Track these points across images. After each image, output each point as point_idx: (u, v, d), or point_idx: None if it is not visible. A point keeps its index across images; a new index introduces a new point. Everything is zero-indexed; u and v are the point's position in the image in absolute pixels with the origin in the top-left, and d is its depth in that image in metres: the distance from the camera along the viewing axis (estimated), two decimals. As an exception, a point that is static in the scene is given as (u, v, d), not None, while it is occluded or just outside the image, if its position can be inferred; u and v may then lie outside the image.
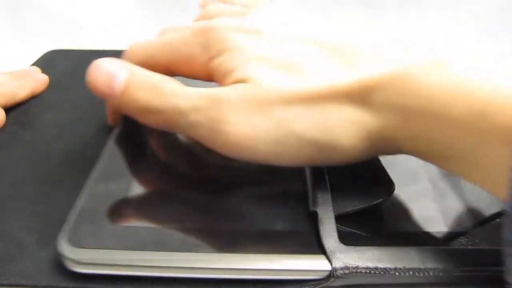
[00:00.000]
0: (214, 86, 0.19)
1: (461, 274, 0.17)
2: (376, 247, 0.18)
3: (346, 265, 0.17)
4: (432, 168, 0.23)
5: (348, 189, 0.21)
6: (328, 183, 0.20)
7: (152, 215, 0.19)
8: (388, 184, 0.21)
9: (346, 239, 0.18)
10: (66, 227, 0.18)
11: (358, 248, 0.18)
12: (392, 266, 0.17)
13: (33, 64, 0.35)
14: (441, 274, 0.17)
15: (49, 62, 0.36)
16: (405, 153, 0.18)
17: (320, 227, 0.18)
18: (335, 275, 0.17)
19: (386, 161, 0.22)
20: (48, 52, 0.38)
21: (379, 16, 0.53)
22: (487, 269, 0.17)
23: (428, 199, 0.22)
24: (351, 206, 0.20)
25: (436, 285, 0.18)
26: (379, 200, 0.20)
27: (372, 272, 0.17)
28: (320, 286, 0.17)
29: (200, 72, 0.21)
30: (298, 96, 0.17)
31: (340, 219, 0.19)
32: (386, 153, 0.19)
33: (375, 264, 0.17)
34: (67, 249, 0.17)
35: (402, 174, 0.24)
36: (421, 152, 0.18)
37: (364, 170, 0.21)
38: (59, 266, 0.17)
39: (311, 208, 0.19)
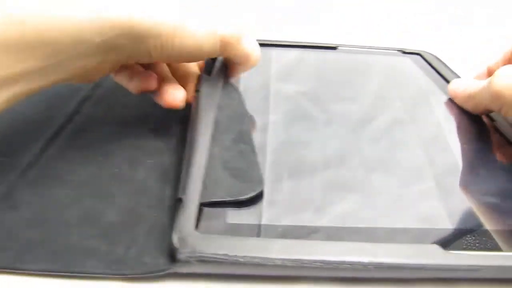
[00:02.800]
0: None
1: (309, 266, 0.18)
2: (242, 237, 0.18)
3: (193, 250, 0.17)
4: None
5: (222, 180, 0.21)
6: (203, 172, 0.21)
7: None
8: (258, 181, 0.21)
9: (232, 230, 0.19)
10: None
11: (220, 236, 0.18)
12: (241, 254, 0.17)
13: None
14: (288, 265, 0.17)
15: None
16: None
17: (180, 212, 0.19)
18: (180, 260, 0.17)
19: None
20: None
21: None
22: (339, 261, 0.18)
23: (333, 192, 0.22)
24: (219, 196, 0.20)
25: (286, 277, 0.19)
26: (247, 196, 0.20)
27: (218, 258, 0.17)
28: (166, 272, 0.18)
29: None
30: None
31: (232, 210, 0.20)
32: None
33: (225, 251, 0.17)
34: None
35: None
36: None
37: (240, 164, 0.22)
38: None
39: (179, 195, 0.20)
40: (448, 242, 0.20)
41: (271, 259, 0.17)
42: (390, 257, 0.18)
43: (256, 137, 0.25)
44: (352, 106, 0.31)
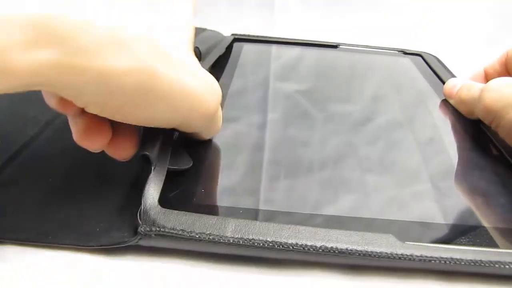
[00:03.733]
0: None
1: (261, 246, 0.18)
2: (202, 215, 0.19)
3: (153, 224, 0.18)
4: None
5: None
6: (171, 146, 0.22)
7: None
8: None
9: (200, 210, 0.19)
10: None
11: (181, 213, 0.19)
12: (197, 231, 0.18)
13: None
14: (240, 243, 0.18)
15: None
16: None
17: (146, 186, 0.20)
18: (141, 232, 0.18)
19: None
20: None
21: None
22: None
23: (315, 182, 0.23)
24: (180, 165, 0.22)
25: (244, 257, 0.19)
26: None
27: (176, 234, 0.18)
28: (127, 244, 0.19)
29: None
30: None
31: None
32: None
33: (183, 227, 0.18)
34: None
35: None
36: None
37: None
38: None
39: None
40: (416, 234, 0.20)
41: (225, 237, 0.18)
42: (342, 243, 0.18)
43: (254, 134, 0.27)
44: (350, 105, 0.32)
